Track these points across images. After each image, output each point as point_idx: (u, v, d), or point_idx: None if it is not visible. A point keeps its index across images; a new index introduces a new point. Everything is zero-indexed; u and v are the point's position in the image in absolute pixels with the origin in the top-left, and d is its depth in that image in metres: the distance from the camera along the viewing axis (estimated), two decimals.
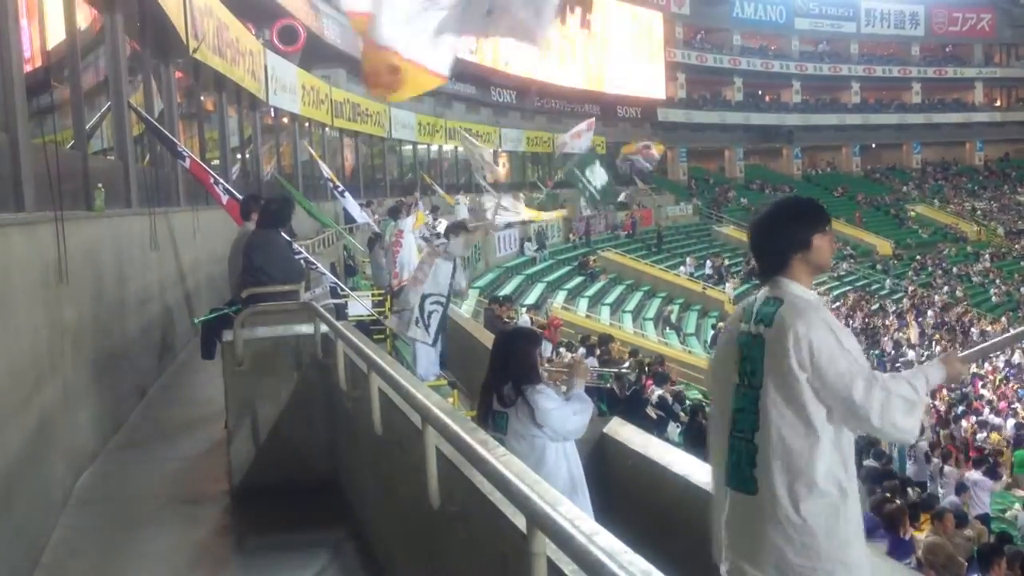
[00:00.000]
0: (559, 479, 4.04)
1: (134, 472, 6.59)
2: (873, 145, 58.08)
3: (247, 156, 19.02)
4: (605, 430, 5.59)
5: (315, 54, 24.84)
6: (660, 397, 12.94)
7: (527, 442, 4.03)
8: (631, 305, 28.55)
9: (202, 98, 15.17)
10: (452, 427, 3.03)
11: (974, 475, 13.24)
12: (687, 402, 14.10)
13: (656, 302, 29.81)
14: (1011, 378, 27.16)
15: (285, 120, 22.39)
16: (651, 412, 11.89)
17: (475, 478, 2.93)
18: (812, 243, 2.79)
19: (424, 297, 8.00)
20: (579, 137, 21.61)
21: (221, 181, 10.25)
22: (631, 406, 11.27)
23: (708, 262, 35.55)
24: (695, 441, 10.94)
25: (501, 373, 4.20)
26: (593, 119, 22.75)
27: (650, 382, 13.70)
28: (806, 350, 2.62)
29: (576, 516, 2.44)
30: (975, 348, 2.82)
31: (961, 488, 12.74)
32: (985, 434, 19.56)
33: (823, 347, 2.62)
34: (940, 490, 13.24)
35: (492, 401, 4.17)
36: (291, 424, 6.15)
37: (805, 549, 2.64)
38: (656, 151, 32.15)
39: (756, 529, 2.71)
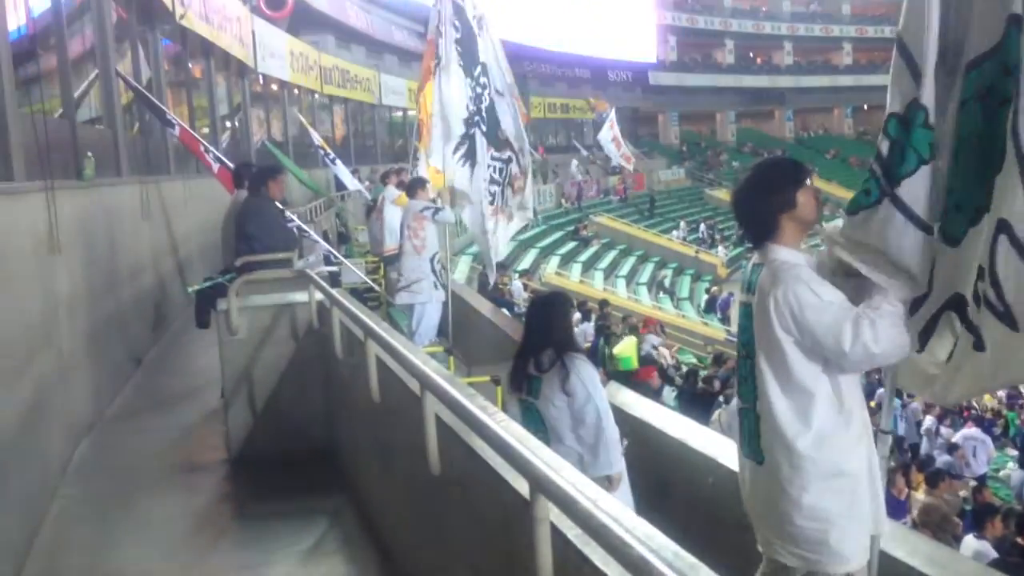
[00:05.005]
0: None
1: (131, 441, 6.58)
2: (866, 106, 57.73)
3: (237, 124, 18.86)
4: None
5: (303, 20, 24.55)
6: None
7: (556, 409, 3.90)
8: (624, 270, 28.54)
9: (190, 65, 14.99)
10: (452, 393, 3.01)
11: (975, 432, 13.23)
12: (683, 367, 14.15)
13: (649, 267, 29.79)
14: None
15: (274, 87, 22.18)
16: None
17: (476, 444, 2.92)
18: (797, 200, 2.76)
19: (431, 260, 8.43)
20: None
21: (211, 149, 10.17)
22: None
23: (701, 226, 35.50)
24: (690, 405, 11.00)
25: (541, 338, 4.04)
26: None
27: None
28: (788, 313, 2.61)
29: (579, 480, 2.44)
30: None
31: (954, 448, 12.81)
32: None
33: (805, 306, 2.60)
34: (934, 451, 13.32)
35: (528, 366, 4.02)
36: (288, 393, 6.14)
37: (812, 514, 2.64)
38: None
39: (770, 498, 2.72)
